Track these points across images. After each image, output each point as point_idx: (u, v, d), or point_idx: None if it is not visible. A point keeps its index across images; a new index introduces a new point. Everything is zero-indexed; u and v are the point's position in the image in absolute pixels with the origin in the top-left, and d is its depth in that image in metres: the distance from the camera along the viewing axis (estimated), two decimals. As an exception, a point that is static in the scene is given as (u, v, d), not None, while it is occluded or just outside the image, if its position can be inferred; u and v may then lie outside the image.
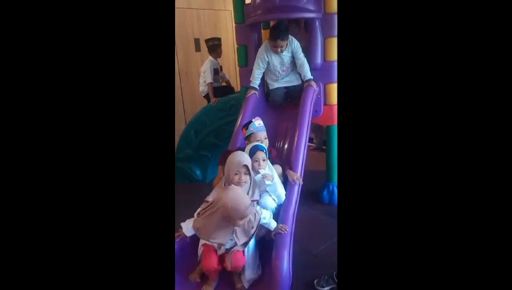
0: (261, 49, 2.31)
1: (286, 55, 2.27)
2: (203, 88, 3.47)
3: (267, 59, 2.30)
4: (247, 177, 1.54)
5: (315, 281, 1.66)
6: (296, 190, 1.75)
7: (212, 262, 1.46)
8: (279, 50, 2.23)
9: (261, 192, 1.66)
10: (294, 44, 2.25)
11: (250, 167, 1.56)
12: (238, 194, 1.40)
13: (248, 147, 1.72)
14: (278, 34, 2.18)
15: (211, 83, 3.30)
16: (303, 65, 2.25)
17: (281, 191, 1.73)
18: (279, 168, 1.84)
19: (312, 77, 2.26)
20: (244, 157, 1.57)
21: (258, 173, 1.66)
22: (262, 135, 1.87)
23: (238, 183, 1.51)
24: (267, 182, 1.65)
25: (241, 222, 1.40)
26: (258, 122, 1.88)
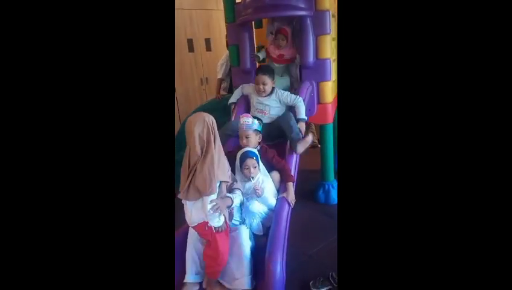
0: (246, 85, 2.32)
1: (271, 103, 2.14)
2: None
3: (243, 93, 2.32)
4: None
5: (310, 283, 1.63)
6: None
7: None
8: (261, 87, 2.11)
9: (248, 197, 1.66)
10: (280, 92, 2.15)
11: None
12: None
13: (238, 154, 1.69)
14: (261, 69, 2.18)
15: (221, 79, 3.10)
16: (299, 106, 2.10)
17: (272, 201, 1.72)
18: (277, 176, 1.80)
19: (306, 118, 2.12)
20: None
21: (251, 179, 1.66)
22: (244, 133, 1.81)
23: None
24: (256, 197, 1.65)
25: None
26: (242, 120, 1.83)
